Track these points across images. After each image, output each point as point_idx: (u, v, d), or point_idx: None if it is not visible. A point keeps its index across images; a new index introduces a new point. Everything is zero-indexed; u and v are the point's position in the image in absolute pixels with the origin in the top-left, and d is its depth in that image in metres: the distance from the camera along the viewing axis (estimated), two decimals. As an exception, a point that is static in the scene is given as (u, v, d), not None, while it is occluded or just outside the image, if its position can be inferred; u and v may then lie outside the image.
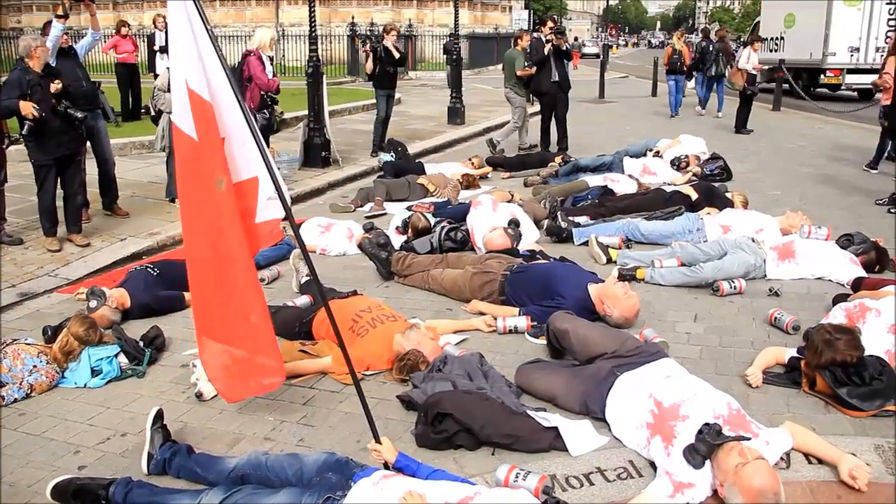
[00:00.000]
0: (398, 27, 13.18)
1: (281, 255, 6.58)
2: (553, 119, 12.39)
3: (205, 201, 3.17)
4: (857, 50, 18.05)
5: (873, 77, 11.23)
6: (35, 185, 6.88)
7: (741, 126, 14.64)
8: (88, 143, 7.67)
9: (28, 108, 6.32)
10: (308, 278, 5.76)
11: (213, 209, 3.15)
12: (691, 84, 19.34)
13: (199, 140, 3.06)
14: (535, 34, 13.43)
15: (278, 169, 9.54)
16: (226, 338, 3.36)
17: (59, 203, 7.03)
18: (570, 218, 7.34)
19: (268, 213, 3.37)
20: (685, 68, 17.80)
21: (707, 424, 3.15)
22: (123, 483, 3.21)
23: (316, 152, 11.05)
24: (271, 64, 8.88)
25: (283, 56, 28.00)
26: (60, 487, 3.18)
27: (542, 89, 12.24)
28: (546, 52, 11.86)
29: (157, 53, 14.51)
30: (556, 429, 3.61)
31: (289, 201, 3.37)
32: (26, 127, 6.44)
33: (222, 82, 3.06)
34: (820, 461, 3.39)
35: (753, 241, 6.12)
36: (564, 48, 12.41)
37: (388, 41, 11.76)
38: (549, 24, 12.88)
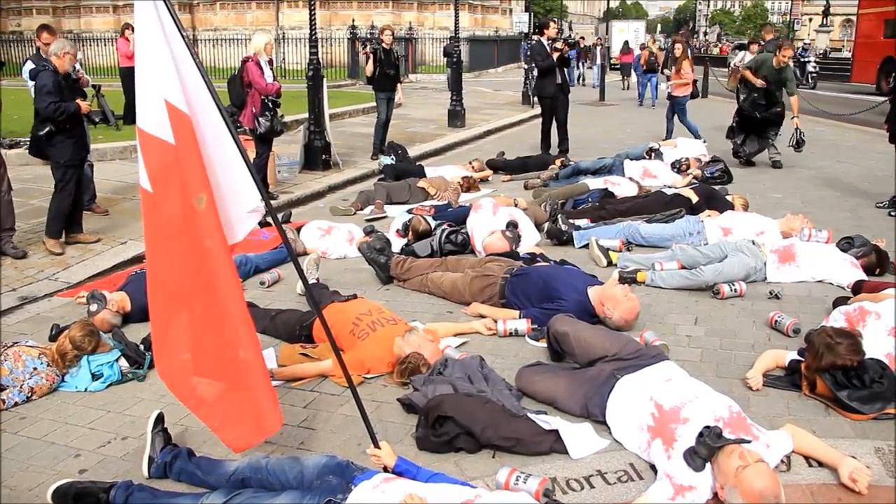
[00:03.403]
0: (392, 27, 13.17)
1: (282, 258, 6.58)
2: (553, 122, 12.40)
3: (183, 222, 2.99)
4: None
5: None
6: (29, 189, 6.95)
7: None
8: None
9: (85, 105, 6.85)
10: (314, 281, 5.78)
11: (193, 230, 2.98)
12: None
13: (177, 143, 2.94)
14: (534, 37, 13.46)
15: (278, 172, 9.52)
16: (210, 372, 3.16)
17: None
18: (571, 221, 7.35)
19: (239, 231, 3.25)
20: (660, 68, 21.00)
21: (707, 427, 3.15)
22: (124, 486, 3.21)
23: (316, 155, 11.06)
24: (271, 68, 8.90)
25: (284, 59, 28.01)
26: (61, 491, 3.18)
27: (546, 93, 12.21)
28: (556, 59, 11.88)
29: None
30: (556, 432, 3.62)
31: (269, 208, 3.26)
32: (46, 130, 6.63)
33: (198, 89, 2.97)
34: (820, 464, 3.40)
35: (754, 243, 6.13)
36: (566, 56, 12.51)
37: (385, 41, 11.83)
38: (553, 27, 12.85)
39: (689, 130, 13.19)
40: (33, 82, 7.27)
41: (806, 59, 26.73)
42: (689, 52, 14.05)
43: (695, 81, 14.03)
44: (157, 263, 3.21)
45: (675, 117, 13.60)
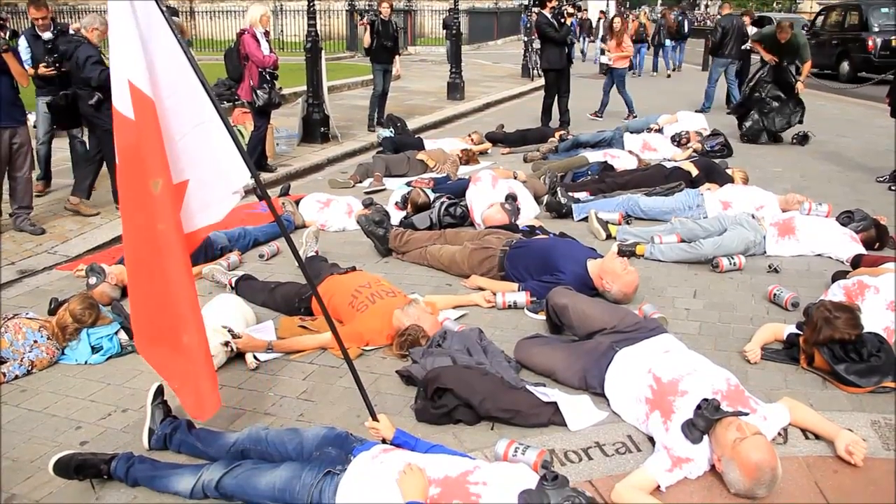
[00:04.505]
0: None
1: (280, 231, 6.57)
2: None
3: (141, 202, 3.03)
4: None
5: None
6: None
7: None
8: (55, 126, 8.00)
9: None
10: (314, 253, 5.78)
11: (149, 211, 3.01)
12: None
13: (137, 121, 2.94)
14: (535, 9, 13.38)
15: (277, 145, 9.47)
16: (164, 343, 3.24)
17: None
18: (570, 194, 7.34)
19: (219, 211, 3.26)
20: (648, 38, 22.81)
21: (705, 400, 3.16)
22: (125, 458, 3.23)
23: (315, 128, 11.02)
24: (267, 40, 8.83)
25: (282, 31, 27.77)
26: (63, 462, 3.20)
27: (555, 66, 12.14)
28: (570, 25, 11.84)
29: None
30: (555, 404, 3.63)
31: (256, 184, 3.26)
32: (96, 98, 6.86)
33: (172, 67, 2.92)
34: (817, 436, 3.41)
35: (753, 217, 6.12)
36: (571, 24, 12.55)
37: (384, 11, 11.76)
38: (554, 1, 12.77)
39: (625, 102, 13.71)
40: (28, 56, 7.34)
41: None
42: (628, 25, 15.06)
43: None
44: (126, 237, 3.34)
45: (613, 88, 13.83)
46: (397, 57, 12.31)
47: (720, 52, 13.93)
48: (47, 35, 7.39)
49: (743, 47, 13.83)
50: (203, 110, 3.01)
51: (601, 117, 13.69)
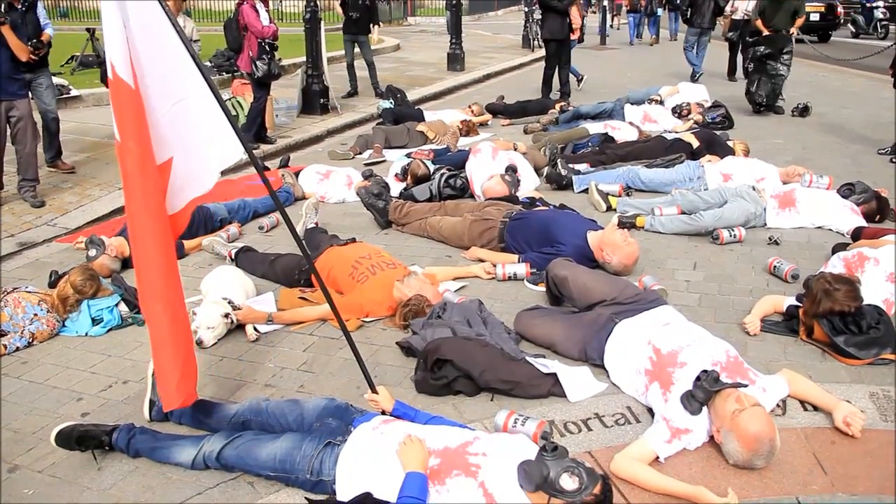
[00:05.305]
0: None
1: (280, 202, 6.56)
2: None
3: (124, 181, 3.04)
4: None
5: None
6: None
7: (731, 73, 14.88)
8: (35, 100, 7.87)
9: None
10: (313, 225, 5.77)
11: (128, 190, 3.02)
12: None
13: (117, 99, 2.92)
14: None
15: (276, 116, 9.40)
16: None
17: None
18: (571, 165, 7.31)
19: (204, 184, 3.22)
20: (642, 8, 23.55)
21: (705, 371, 3.17)
22: (126, 429, 3.25)
23: (314, 99, 10.99)
24: (266, 10, 8.76)
25: (281, 2, 27.54)
26: (64, 434, 3.21)
27: (557, 36, 12.00)
28: None
29: None
30: (554, 375, 3.64)
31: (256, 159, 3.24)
32: None
33: (156, 44, 2.88)
34: (815, 408, 3.42)
35: (754, 189, 6.10)
36: None
37: None
38: None
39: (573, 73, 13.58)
40: None
41: (873, 6, 24.76)
42: None
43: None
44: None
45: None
46: (374, 27, 12.42)
47: (691, 22, 14.45)
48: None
49: (733, 17, 13.80)
50: (190, 86, 2.97)
51: (579, 84, 13.65)
